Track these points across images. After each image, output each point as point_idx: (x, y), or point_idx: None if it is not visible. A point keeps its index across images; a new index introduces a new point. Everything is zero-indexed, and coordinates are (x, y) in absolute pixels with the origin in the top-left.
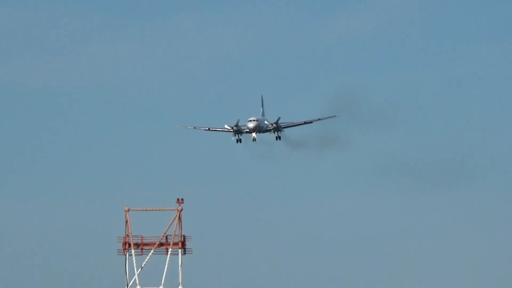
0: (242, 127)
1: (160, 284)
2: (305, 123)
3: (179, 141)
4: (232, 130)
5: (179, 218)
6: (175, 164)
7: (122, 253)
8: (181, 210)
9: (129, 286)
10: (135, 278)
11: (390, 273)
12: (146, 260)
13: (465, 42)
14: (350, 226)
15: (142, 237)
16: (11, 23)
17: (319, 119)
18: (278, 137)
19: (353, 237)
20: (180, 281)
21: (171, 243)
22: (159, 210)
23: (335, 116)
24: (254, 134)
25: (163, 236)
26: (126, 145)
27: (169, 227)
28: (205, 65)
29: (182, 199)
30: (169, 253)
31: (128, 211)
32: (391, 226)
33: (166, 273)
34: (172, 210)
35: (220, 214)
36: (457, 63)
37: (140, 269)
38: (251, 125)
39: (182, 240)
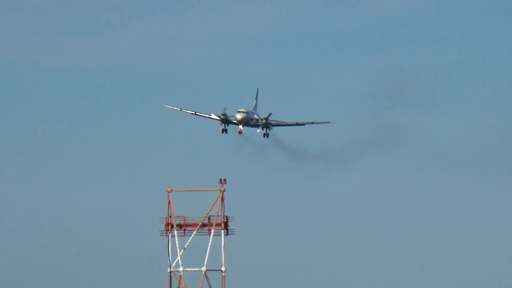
0: (230, 117)
1: (203, 265)
2: (297, 124)
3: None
4: (219, 119)
5: (222, 199)
6: (217, 145)
7: (165, 234)
8: (224, 190)
9: (172, 267)
10: (178, 259)
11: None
12: (188, 241)
13: None
14: (394, 210)
15: (184, 218)
16: (48, 3)
17: (311, 123)
18: (266, 134)
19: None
20: (223, 262)
21: (214, 224)
22: (201, 190)
23: (329, 122)
24: (240, 127)
25: (206, 216)
26: (168, 125)
27: (211, 208)
28: (236, 45)
29: (225, 180)
30: (211, 234)
31: (171, 191)
32: (440, 217)
33: (208, 254)
34: (215, 190)
35: (262, 195)
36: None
37: (182, 250)
38: (239, 116)
39: (225, 220)
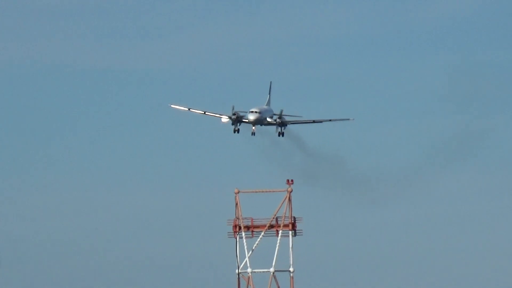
0: (243, 117)
1: (271, 266)
2: (314, 122)
3: None
4: (230, 118)
5: (289, 200)
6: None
7: (233, 235)
8: (291, 191)
9: (240, 268)
10: (246, 260)
11: None
12: (256, 242)
13: None
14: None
15: (252, 219)
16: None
17: (329, 120)
18: (281, 133)
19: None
20: (291, 262)
21: (282, 225)
22: (268, 191)
23: (348, 119)
24: (254, 128)
25: (273, 218)
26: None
27: (279, 209)
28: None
29: (292, 180)
30: (279, 235)
31: (238, 193)
32: None
33: (276, 255)
34: (282, 191)
35: (330, 195)
36: None
37: (251, 251)
38: (252, 117)
39: (293, 221)
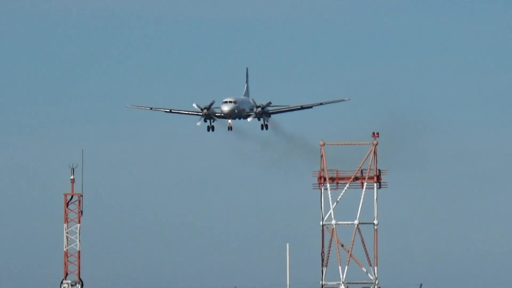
0: (215, 110)
1: (355, 218)
2: (302, 108)
3: None
4: (201, 114)
5: (375, 152)
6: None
7: (317, 187)
8: (377, 144)
9: (324, 220)
10: (331, 212)
11: None
12: (341, 194)
13: None
14: None
15: (337, 171)
16: None
17: (321, 104)
18: (265, 126)
19: None
20: (376, 215)
21: (366, 177)
22: (354, 144)
23: (343, 100)
24: (230, 121)
25: (358, 170)
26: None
27: (364, 161)
28: None
29: (377, 133)
30: (364, 187)
31: (323, 145)
32: None
33: (361, 207)
34: (368, 144)
35: (416, 147)
36: None
37: (335, 203)
38: (226, 108)
39: (378, 174)
